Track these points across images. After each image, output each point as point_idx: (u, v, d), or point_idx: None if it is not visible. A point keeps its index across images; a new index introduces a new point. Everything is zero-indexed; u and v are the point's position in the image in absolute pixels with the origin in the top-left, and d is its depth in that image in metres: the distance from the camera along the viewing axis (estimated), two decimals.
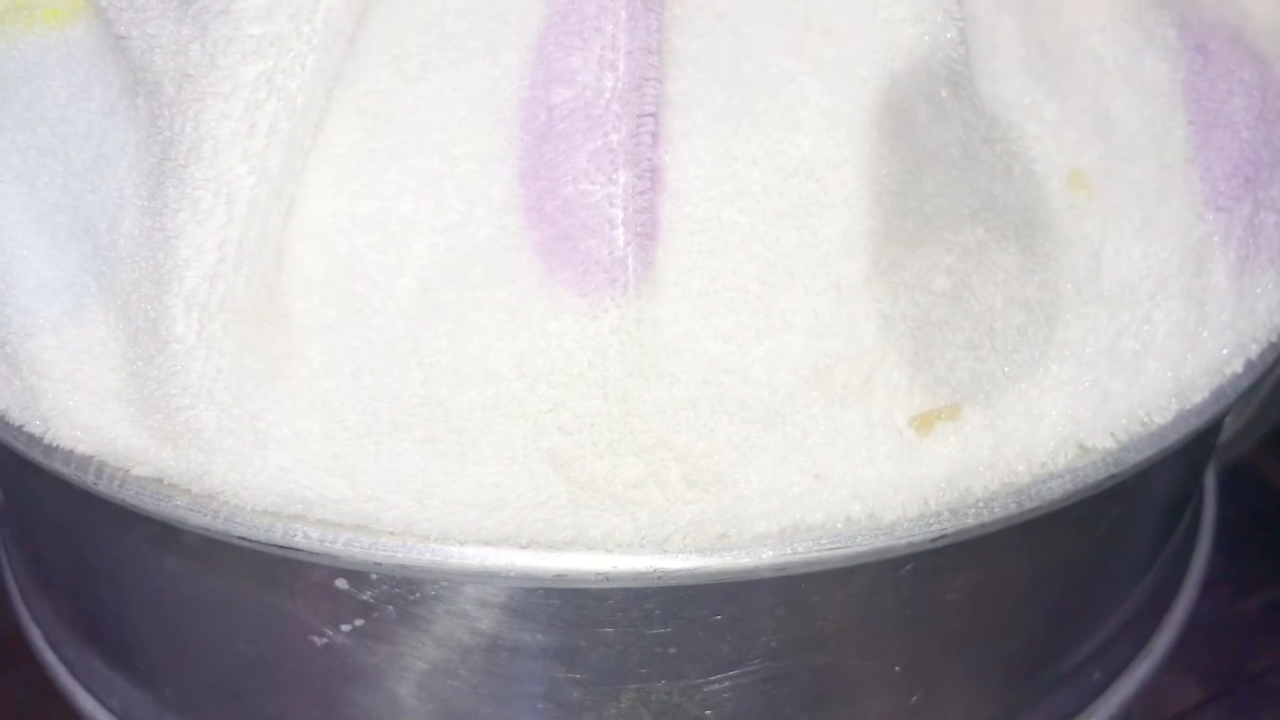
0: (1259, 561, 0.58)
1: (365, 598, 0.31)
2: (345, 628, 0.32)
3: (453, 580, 0.30)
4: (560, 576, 0.28)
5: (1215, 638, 0.54)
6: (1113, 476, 0.31)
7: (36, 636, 0.42)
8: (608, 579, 0.28)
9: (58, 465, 0.31)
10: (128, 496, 0.30)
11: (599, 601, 0.30)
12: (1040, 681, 0.38)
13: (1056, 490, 0.30)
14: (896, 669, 0.34)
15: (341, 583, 0.31)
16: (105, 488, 0.30)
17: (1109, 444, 0.31)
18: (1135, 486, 0.34)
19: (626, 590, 0.30)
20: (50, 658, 0.41)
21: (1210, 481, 0.48)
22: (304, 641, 0.32)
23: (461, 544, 0.28)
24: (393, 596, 0.31)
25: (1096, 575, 0.37)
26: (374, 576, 0.30)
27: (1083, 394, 0.31)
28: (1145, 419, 0.32)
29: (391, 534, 0.29)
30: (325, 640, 0.32)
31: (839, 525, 0.29)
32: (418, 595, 0.31)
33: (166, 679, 0.37)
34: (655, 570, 0.28)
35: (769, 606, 0.31)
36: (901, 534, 0.29)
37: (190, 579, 0.33)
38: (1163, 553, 0.41)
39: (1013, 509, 0.30)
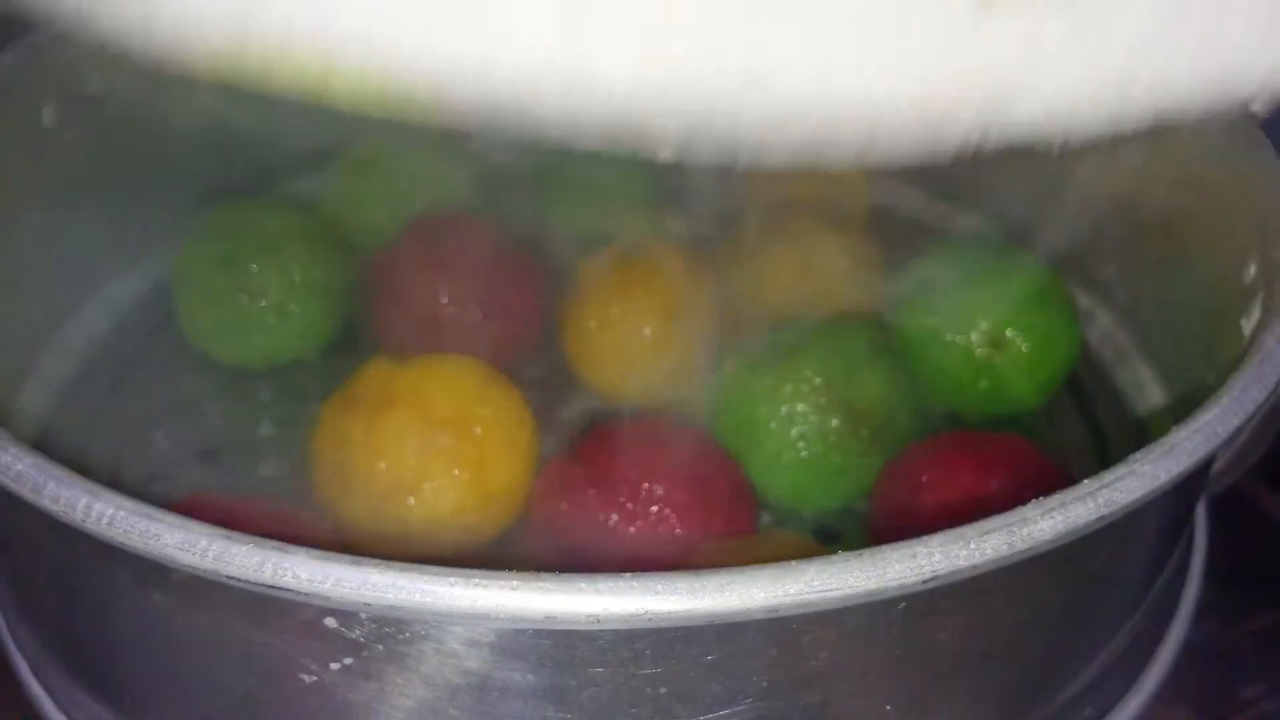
0: (1249, 588, 0.58)
1: (354, 636, 0.31)
2: (334, 666, 0.32)
3: (441, 621, 0.30)
4: (550, 618, 0.28)
5: (1205, 665, 0.54)
6: (1103, 518, 0.31)
7: (23, 668, 0.41)
8: (598, 621, 0.28)
9: (45, 503, 0.31)
10: (115, 535, 0.30)
11: (589, 642, 0.30)
12: (1033, 718, 0.38)
13: (1048, 532, 0.30)
14: (888, 707, 0.34)
15: (330, 621, 0.31)
16: (93, 526, 0.30)
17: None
18: (1127, 524, 0.34)
19: (617, 631, 0.30)
20: (37, 690, 0.41)
21: (1201, 513, 0.48)
22: (293, 679, 0.32)
23: (450, 585, 0.28)
24: (382, 635, 0.31)
25: (1088, 612, 0.37)
26: (363, 616, 0.30)
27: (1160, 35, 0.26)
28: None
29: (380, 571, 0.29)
30: (314, 678, 0.32)
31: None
32: (407, 634, 0.31)
33: (154, 713, 0.37)
34: (646, 613, 0.28)
35: (760, 647, 0.31)
36: (893, 576, 0.29)
37: (178, 615, 0.33)
38: (1154, 586, 0.41)
39: (1004, 550, 0.30)
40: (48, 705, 0.40)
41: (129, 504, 0.30)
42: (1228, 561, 0.50)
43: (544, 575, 0.28)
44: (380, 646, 0.31)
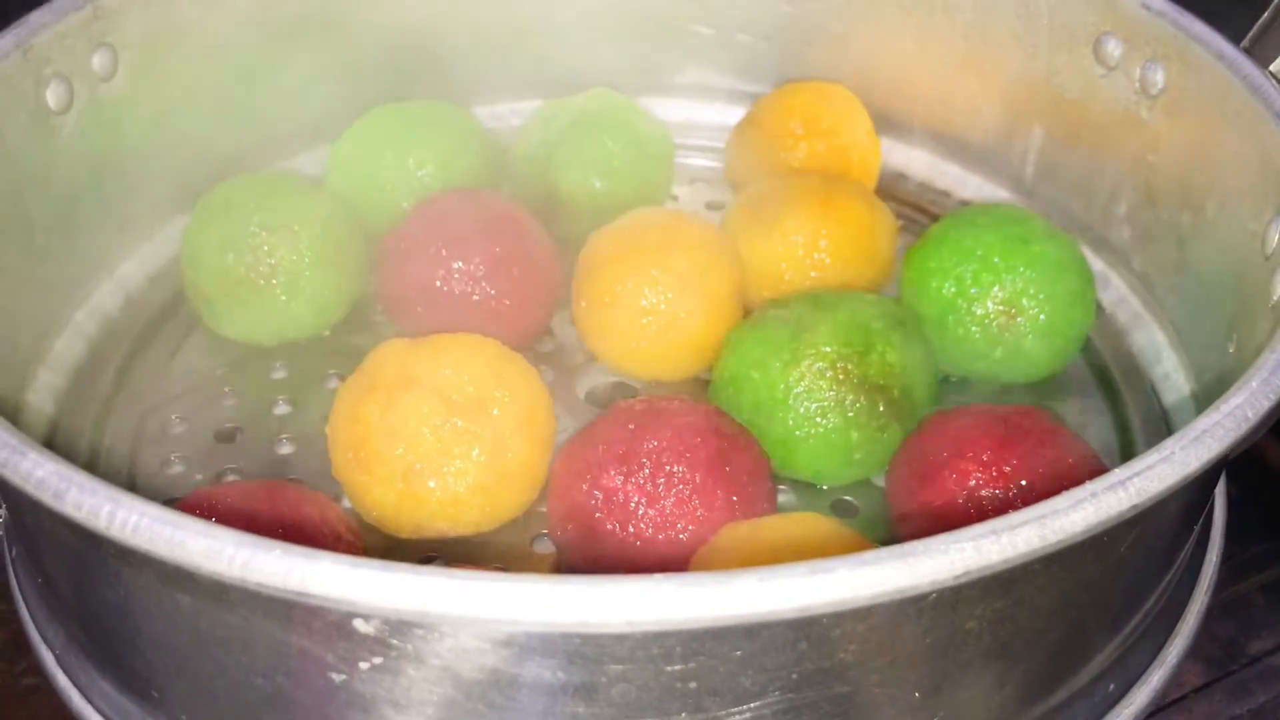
0: (1259, 542, 0.58)
1: (382, 636, 0.31)
2: (363, 665, 0.32)
3: (471, 625, 0.30)
4: (583, 624, 0.28)
5: (1216, 619, 0.54)
6: (1135, 507, 0.31)
7: (49, 660, 0.41)
8: (631, 625, 0.28)
9: (68, 510, 0.30)
10: (140, 543, 0.29)
11: (619, 640, 0.30)
12: (1057, 697, 0.38)
13: (1079, 523, 0.30)
14: (916, 695, 0.34)
15: (359, 622, 0.30)
16: (117, 533, 0.30)
17: None
18: (1156, 509, 0.34)
19: (647, 630, 0.30)
20: (63, 681, 0.41)
21: (1220, 484, 0.48)
22: (321, 678, 0.32)
23: (480, 591, 0.28)
24: (410, 635, 0.31)
25: (1115, 593, 0.37)
26: (392, 617, 0.30)
27: None
28: None
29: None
30: (342, 676, 0.32)
31: None
32: (436, 634, 0.30)
33: (182, 709, 0.37)
34: (679, 617, 0.28)
35: (790, 641, 0.31)
36: (925, 573, 0.29)
37: (204, 615, 0.33)
38: (1177, 562, 0.41)
39: (1036, 543, 0.30)
40: (74, 697, 0.41)
41: (153, 510, 0.30)
42: (1236, 515, 0.50)
43: (576, 579, 0.28)
44: (409, 646, 0.31)
